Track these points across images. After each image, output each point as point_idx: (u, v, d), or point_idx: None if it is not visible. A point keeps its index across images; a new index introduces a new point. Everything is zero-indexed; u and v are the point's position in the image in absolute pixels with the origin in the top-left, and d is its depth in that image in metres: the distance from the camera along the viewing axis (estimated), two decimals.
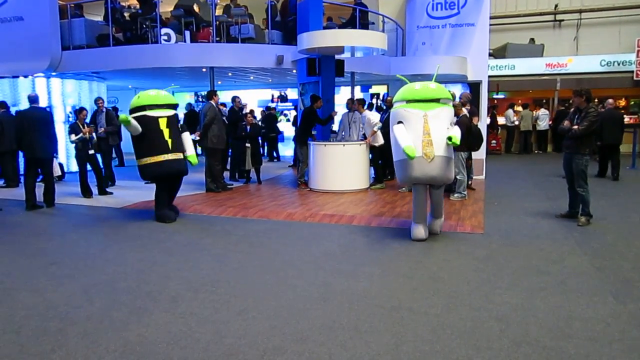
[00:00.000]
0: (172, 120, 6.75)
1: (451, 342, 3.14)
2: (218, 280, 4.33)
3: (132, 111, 6.70)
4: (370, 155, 9.07)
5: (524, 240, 5.58)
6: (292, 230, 6.20)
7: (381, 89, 15.04)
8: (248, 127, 9.49)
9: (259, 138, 10.18)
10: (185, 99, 16.76)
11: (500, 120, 16.53)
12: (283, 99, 16.28)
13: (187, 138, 7.00)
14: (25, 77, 10.65)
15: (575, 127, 6.21)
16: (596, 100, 14.56)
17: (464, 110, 7.68)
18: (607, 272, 4.46)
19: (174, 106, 6.99)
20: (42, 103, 10.42)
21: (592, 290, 4.03)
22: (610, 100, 11.30)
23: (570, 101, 6.99)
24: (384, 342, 3.15)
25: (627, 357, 2.94)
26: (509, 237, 5.73)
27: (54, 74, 10.55)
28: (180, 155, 6.77)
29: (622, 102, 16.48)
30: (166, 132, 6.64)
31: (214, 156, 8.68)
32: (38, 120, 7.57)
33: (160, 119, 6.63)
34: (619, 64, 15.67)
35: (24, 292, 4.11)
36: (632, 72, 15.24)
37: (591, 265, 4.67)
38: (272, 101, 16.39)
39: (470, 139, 7.51)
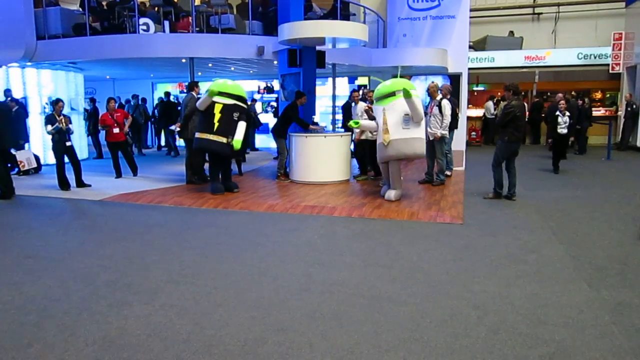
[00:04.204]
0: (226, 108, 7.50)
1: (430, 330, 3.19)
2: (199, 272, 4.31)
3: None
4: (352, 148, 9.09)
5: (501, 230, 5.68)
6: (273, 222, 6.19)
7: (364, 81, 15.05)
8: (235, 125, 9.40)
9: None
10: (167, 89, 16.50)
11: (480, 112, 16.72)
12: (269, 90, 16.14)
13: (241, 127, 7.64)
14: None
15: None
16: (573, 93, 14.87)
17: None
18: (582, 261, 4.57)
19: (239, 97, 7.63)
20: (17, 94, 10.22)
21: (567, 278, 4.13)
22: (560, 95, 12.43)
23: (504, 94, 7.71)
24: (364, 331, 3.18)
25: (600, 342, 3.02)
26: (487, 227, 5.82)
27: (29, 64, 10.30)
28: (222, 139, 7.49)
29: (599, 95, 16.78)
30: (217, 116, 7.47)
31: None
32: (4, 113, 7.96)
33: (216, 104, 7.47)
34: (595, 57, 15.92)
35: (0, 286, 4.04)
36: (608, 65, 15.51)
37: (566, 253, 4.78)
38: (258, 92, 16.27)
39: None
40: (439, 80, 10.73)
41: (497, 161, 7.26)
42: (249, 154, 13.16)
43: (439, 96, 8.15)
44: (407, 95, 6.55)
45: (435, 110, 8.05)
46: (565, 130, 9.65)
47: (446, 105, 8.05)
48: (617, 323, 3.28)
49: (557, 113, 9.62)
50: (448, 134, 8.41)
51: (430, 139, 8.16)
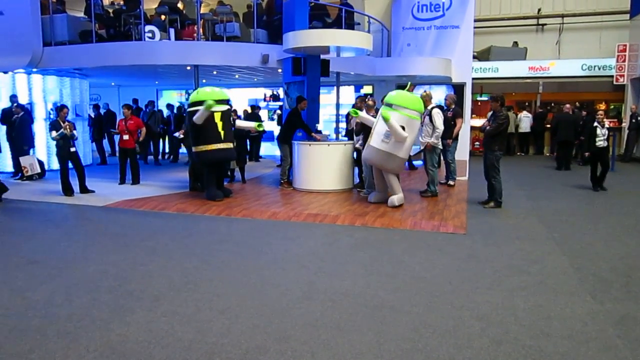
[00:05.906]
0: (225, 114, 7.74)
1: (433, 340, 3.17)
2: (201, 279, 4.31)
3: (191, 105, 7.69)
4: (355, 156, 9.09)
5: (505, 240, 5.66)
6: (275, 230, 6.19)
7: (368, 90, 15.08)
8: (232, 127, 9.45)
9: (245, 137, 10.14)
10: (172, 96, 16.58)
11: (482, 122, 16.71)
12: (276, 98, 16.25)
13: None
14: (5, 73, 10.46)
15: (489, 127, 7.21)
16: (577, 104, 14.88)
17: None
18: (586, 272, 4.54)
19: (227, 101, 7.93)
20: (22, 100, 10.29)
21: (571, 289, 4.10)
22: (568, 105, 12.55)
23: (490, 105, 7.71)
24: (366, 340, 3.17)
25: (604, 355, 3.00)
26: (490, 237, 5.80)
27: (35, 70, 10.37)
28: (230, 145, 7.80)
29: (603, 106, 16.77)
30: (220, 125, 7.63)
31: None
32: None
33: (215, 113, 7.56)
34: (599, 69, 15.93)
35: (2, 291, 4.04)
36: (612, 76, 15.51)
37: (570, 265, 4.75)
38: (264, 100, 16.40)
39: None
40: (443, 90, 10.75)
41: (496, 171, 7.29)
42: (260, 162, 13.27)
43: (431, 105, 8.05)
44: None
45: (427, 119, 7.95)
46: (604, 143, 8.99)
47: (436, 114, 7.90)
48: (621, 336, 3.25)
49: (596, 124, 9.04)
50: (443, 143, 8.31)
51: (421, 148, 8.13)
